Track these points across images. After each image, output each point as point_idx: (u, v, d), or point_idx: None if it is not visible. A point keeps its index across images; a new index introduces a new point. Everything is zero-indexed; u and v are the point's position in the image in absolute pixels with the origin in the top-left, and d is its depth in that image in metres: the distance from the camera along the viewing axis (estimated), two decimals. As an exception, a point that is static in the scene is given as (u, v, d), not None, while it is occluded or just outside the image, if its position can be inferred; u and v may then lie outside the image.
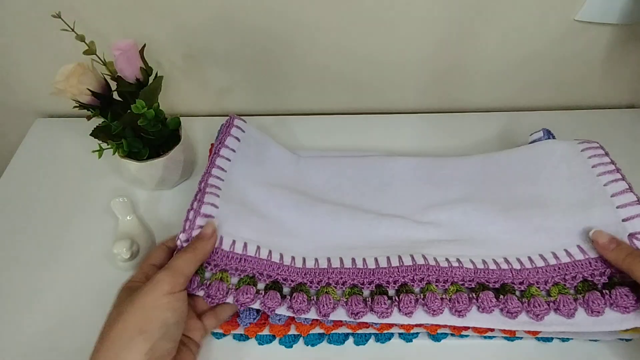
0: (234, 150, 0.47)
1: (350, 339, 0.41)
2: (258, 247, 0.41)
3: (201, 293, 0.38)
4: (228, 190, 0.44)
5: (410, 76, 0.58)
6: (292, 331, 0.40)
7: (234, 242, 0.41)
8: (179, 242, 0.39)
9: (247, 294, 0.38)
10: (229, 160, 0.47)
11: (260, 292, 0.39)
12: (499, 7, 0.50)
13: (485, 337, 0.41)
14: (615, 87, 0.61)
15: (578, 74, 0.58)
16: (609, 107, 0.63)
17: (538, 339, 0.41)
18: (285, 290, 0.39)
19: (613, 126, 0.59)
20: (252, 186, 0.47)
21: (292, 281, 0.40)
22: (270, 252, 0.41)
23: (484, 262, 0.41)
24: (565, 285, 0.39)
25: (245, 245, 0.41)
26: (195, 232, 0.39)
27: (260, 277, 0.39)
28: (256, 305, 0.38)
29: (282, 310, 0.38)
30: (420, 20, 0.51)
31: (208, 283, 0.38)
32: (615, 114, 0.61)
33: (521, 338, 0.41)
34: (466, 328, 0.39)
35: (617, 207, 0.42)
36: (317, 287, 0.39)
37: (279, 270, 0.40)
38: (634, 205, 0.41)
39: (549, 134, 0.51)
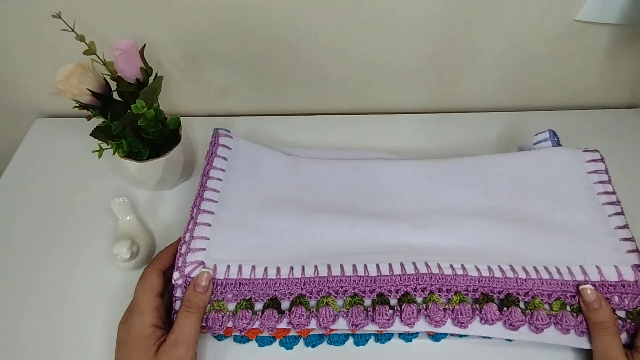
0: (223, 170, 0.48)
1: (350, 340, 0.41)
2: (253, 267, 0.41)
3: (203, 324, 0.39)
4: (222, 212, 0.45)
5: (410, 76, 0.58)
6: (293, 332, 0.40)
7: (228, 267, 0.41)
8: (173, 281, 0.40)
9: (243, 319, 0.38)
10: (220, 180, 0.47)
11: (258, 312, 0.39)
12: (498, 7, 0.50)
13: (484, 337, 0.41)
14: (615, 87, 0.61)
15: (578, 74, 0.58)
16: (609, 107, 0.63)
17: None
18: (285, 304, 0.40)
19: (613, 126, 0.59)
20: (248, 200, 0.47)
21: (290, 294, 0.39)
22: (265, 269, 0.41)
23: (490, 268, 0.40)
24: (564, 302, 0.39)
25: (240, 267, 0.41)
26: (187, 270, 0.40)
27: (256, 298, 0.39)
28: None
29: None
30: (419, 20, 0.51)
31: (206, 316, 0.39)
32: (615, 114, 0.61)
33: (520, 338, 0.41)
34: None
35: (620, 240, 0.43)
36: (317, 298, 0.39)
37: (276, 286, 0.40)
38: (631, 241, 0.42)
39: (554, 135, 0.50)
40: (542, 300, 0.39)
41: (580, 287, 0.39)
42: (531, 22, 0.52)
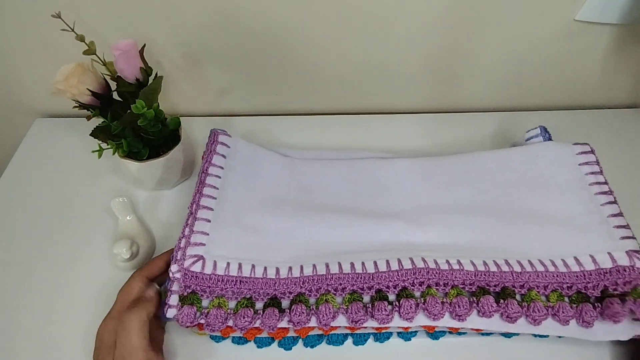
0: (222, 168, 0.48)
1: (350, 340, 0.41)
2: (253, 266, 0.41)
3: (202, 321, 0.38)
4: (221, 210, 0.44)
5: (410, 76, 0.58)
6: (291, 333, 0.40)
7: (228, 264, 0.41)
8: (171, 275, 0.40)
9: (245, 317, 0.38)
10: (219, 177, 0.47)
11: (259, 311, 0.39)
12: (498, 6, 0.50)
13: (483, 334, 0.41)
14: (615, 87, 0.61)
15: (578, 74, 0.58)
16: (609, 107, 0.63)
17: (535, 335, 0.41)
18: (285, 303, 0.40)
19: (613, 126, 0.59)
20: (246, 201, 0.47)
21: (290, 293, 0.40)
22: (265, 268, 0.41)
23: (485, 263, 0.41)
24: (561, 293, 0.39)
25: (240, 265, 0.41)
26: (187, 263, 0.40)
27: (257, 297, 0.39)
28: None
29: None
30: (419, 21, 0.51)
31: (206, 311, 0.39)
32: (615, 114, 0.61)
33: (518, 334, 0.41)
34: (464, 326, 0.39)
35: (614, 227, 0.42)
36: (316, 295, 0.39)
37: (275, 286, 0.40)
38: (626, 228, 0.42)
39: (545, 132, 0.51)
40: (538, 292, 0.39)
41: None
42: (531, 22, 0.52)
